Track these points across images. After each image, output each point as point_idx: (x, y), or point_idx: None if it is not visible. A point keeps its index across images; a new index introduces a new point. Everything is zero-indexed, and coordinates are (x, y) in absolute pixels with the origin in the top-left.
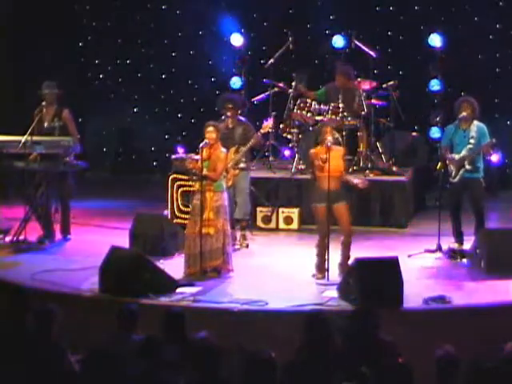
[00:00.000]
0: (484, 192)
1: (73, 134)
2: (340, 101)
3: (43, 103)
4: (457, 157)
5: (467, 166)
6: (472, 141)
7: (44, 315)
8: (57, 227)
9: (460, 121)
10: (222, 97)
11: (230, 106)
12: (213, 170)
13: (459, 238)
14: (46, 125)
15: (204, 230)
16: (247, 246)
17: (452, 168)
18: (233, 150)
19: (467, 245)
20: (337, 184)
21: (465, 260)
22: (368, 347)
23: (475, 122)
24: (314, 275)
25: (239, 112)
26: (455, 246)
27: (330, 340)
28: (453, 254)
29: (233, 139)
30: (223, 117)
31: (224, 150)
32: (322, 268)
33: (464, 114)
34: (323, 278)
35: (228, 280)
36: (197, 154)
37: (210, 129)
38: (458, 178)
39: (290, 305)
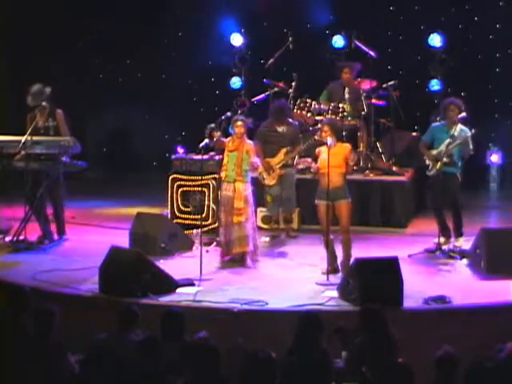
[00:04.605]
0: (459, 187)
1: (64, 135)
2: (346, 98)
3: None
4: (435, 152)
5: (444, 159)
6: (452, 138)
7: (44, 315)
8: (54, 227)
9: (448, 123)
10: (284, 106)
11: (286, 113)
12: (241, 160)
13: (445, 232)
14: (40, 124)
15: (236, 219)
16: (295, 236)
17: (428, 162)
18: (283, 151)
19: (462, 243)
20: (338, 181)
21: (465, 260)
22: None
23: (459, 125)
24: (322, 269)
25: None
26: (442, 241)
27: (319, 340)
28: (452, 254)
29: (284, 142)
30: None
31: (252, 142)
32: (329, 262)
33: (453, 116)
34: (332, 271)
35: (228, 280)
36: (196, 154)
37: (239, 123)
38: (433, 171)
39: (290, 305)
